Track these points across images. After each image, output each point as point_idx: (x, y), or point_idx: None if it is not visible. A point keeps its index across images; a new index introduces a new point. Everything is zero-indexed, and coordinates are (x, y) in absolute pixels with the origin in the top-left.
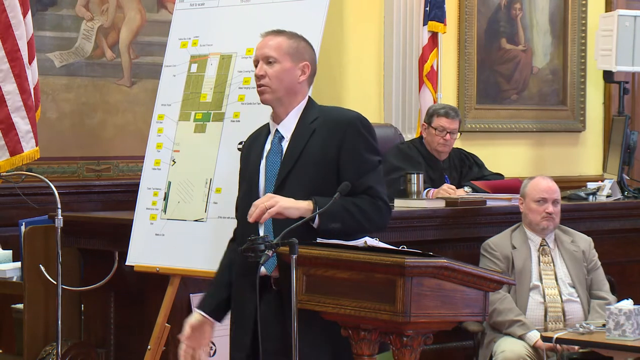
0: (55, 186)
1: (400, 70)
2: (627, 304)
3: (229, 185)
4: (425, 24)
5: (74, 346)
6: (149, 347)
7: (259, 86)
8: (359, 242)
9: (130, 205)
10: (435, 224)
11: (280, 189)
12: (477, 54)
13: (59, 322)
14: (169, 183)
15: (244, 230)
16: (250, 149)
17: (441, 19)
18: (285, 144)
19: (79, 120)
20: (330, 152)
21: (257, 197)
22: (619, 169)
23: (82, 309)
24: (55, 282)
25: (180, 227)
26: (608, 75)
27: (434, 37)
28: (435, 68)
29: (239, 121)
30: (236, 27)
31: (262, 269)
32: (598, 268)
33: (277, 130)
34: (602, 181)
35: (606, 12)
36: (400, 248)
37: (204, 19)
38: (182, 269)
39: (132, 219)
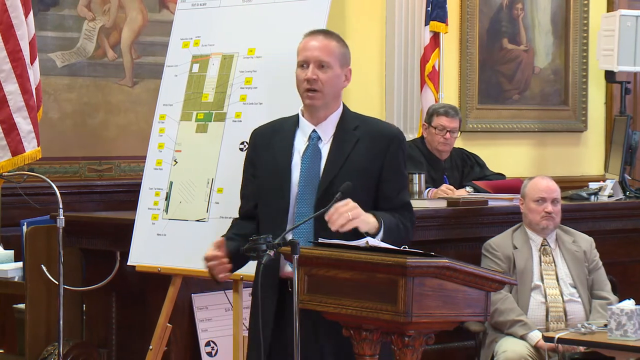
0: (57, 186)
1: (402, 70)
2: (629, 304)
3: (230, 185)
4: (427, 23)
5: (75, 346)
6: (150, 347)
7: (309, 90)
8: (361, 242)
9: (132, 205)
10: (437, 224)
11: (325, 194)
12: (478, 53)
13: (61, 322)
14: (171, 183)
15: (273, 225)
16: (272, 141)
17: (443, 19)
18: (324, 147)
19: (80, 120)
20: (373, 163)
21: (289, 195)
22: (620, 169)
23: (84, 309)
24: (57, 282)
25: (182, 227)
26: (610, 75)
27: (435, 37)
28: (437, 68)
29: (240, 121)
30: (238, 27)
31: (289, 269)
32: (599, 268)
33: (314, 130)
34: (604, 181)
35: (608, 12)
36: (401, 248)
37: (206, 19)
38: (184, 269)
39: (134, 219)
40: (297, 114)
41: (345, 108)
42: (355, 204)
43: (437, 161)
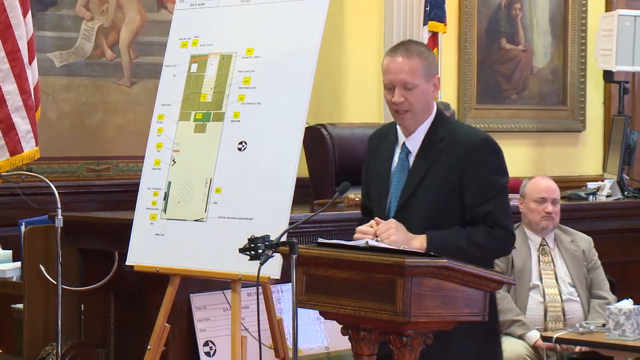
0: (55, 186)
1: None
2: (627, 304)
3: (229, 185)
4: (425, 23)
5: (73, 346)
6: (148, 347)
7: (397, 112)
8: (360, 242)
9: (130, 205)
10: None
11: (402, 210)
12: (477, 53)
13: (59, 322)
14: (169, 183)
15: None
16: (379, 148)
17: (441, 18)
18: (411, 160)
19: (79, 120)
20: (453, 175)
21: (383, 211)
22: (619, 168)
23: (82, 309)
24: (55, 282)
25: (180, 227)
26: (608, 75)
27: (434, 36)
28: None
29: (239, 121)
30: (236, 27)
31: None
32: (598, 267)
33: (404, 144)
34: (602, 181)
35: (606, 12)
36: (400, 248)
37: (204, 18)
38: (182, 268)
39: (132, 219)
40: None
41: (437, 116)
42: (392, 226)
43: None
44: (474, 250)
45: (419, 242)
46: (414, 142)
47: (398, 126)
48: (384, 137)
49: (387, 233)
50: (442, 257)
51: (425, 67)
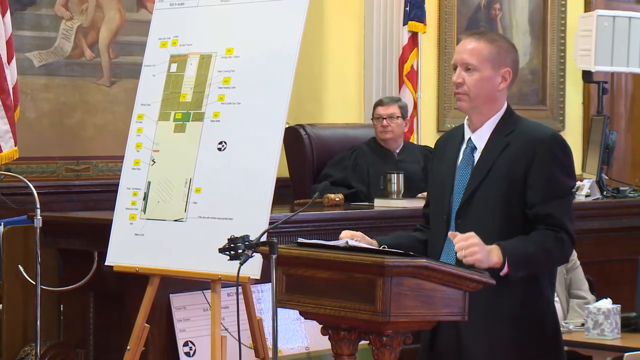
0: (34, 186)
1: (381, 70)
2: (606, 304)
3: (208, 185)
4: (405, 23)
5: (53, 346)
6: (128, 347)
7: (456, 93)
8: (340, 242)
9: (110, 205)
10: (416, 224)
11: (466, 206)
12: None
13: (38, 323)
14: (149, 183)
15: (433, 238)
16: (444, 150)
17: (421, 18)
18: (477, 155)
19: (58, 120)
20: (517, 170)
21: (445, 207)
22: (598, 168)
23: (61, 309)
24: (34, 283)
25: (159, 227)
26: (587, 75)
27: (414, 37)
28: (415, 68)
29: (218, 121)
30: (216, 26)
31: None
32: (577, 267)
33: (470, 139)
34: (581, 181)
35: (585, 12)
36: (380, 248)
37: (184, 18)
38: (162, 269)
39: (112, 219)
40: None
41: (507, 112)
42: (475, 243)
43: (388, 153)
44: (544, 258)
45: (496, 256)
46: (480, 138)
47: (465, 123)
48: (449, 139)
49: (471, 251)
50: (421, 257)
51: (493, 54)
